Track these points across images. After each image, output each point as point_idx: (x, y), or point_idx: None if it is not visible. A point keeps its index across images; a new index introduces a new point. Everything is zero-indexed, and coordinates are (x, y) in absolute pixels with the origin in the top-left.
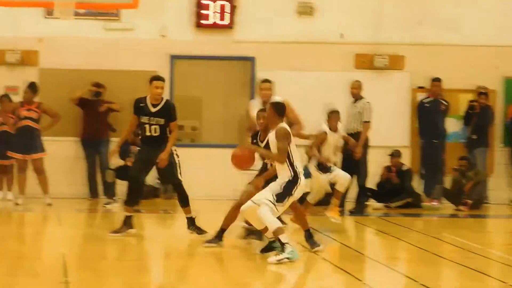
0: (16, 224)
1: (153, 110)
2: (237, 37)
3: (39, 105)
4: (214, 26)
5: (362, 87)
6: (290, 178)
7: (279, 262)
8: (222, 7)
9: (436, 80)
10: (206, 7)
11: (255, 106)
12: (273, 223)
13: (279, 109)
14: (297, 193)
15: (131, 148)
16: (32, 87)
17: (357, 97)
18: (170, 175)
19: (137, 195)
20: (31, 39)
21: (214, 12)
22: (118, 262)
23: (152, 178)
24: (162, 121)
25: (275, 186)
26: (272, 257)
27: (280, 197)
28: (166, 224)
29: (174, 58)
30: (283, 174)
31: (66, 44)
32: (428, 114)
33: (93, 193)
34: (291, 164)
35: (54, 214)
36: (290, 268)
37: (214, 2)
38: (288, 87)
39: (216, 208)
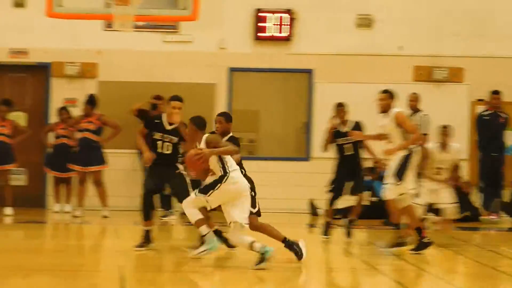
0: (74, 237)
1: (168, 127)
2: (295, 49)
3: (100, 117)
4: (272, 38)
5: (420, 99)
6: (217, 178)
7: (199, 254)
8: (281, 19)
9: (496, 92)
10: (264, 19)
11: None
12: (192, 215)
13: (199, 124)
14: (225, 189)
15: None
16: (91, 101)
17: (415, 109)
18: (185, 194)
19: (151, 209)
20: (90, 51)
21: (272, 25)
22: (174, 274)
23: None
24: (175, 139)
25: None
26: (193, 251)
27: (203, 190)
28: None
29: (232, 70)
30: (216, 173)
31: (125, 57)
32: (487, 127)
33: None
34: (222, 165)
35: (112, 226)
36: (349, 283)
37: (272, 14)
38: (346, 99)
39: (273, 222)
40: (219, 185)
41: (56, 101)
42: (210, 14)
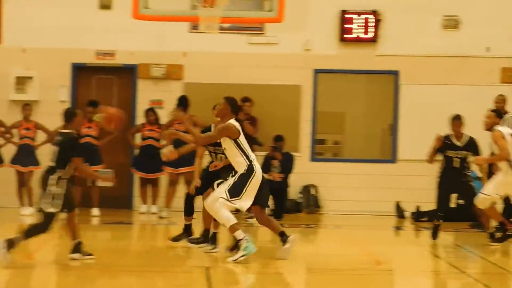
0: (160, 237)
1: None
2: (381, 51)
3: (190, 117)
4: (358, 40)
5: (507, 101)
6: (245, 171)
7: (236, 261)
8: (366, 20)
9: None
10: (350, 21)
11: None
12: (227, 220)
13: (234, 106)
14: (254, 183)
15: (273, 162)
16: (182, 102)
17: (501, 111)
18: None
19: (192, 206)
20: (176, 53)
21: (358, 26)
22: (260, 276)
23: (294, 193)
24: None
25: (229, 181)
26: (230, 257)
27: (234, 193)
28: (308, 239)
29: (317, 72)
30: (239, 166)
31: (210, 58)
32: None
33: None
34: (246, 156)
35: (198, 228)
36: (437, 286)
37: (358, 16)
38: (432, 101)
39: (358, 224)
40: (249, 180)
41: (142, 103)
42: (295, 16)
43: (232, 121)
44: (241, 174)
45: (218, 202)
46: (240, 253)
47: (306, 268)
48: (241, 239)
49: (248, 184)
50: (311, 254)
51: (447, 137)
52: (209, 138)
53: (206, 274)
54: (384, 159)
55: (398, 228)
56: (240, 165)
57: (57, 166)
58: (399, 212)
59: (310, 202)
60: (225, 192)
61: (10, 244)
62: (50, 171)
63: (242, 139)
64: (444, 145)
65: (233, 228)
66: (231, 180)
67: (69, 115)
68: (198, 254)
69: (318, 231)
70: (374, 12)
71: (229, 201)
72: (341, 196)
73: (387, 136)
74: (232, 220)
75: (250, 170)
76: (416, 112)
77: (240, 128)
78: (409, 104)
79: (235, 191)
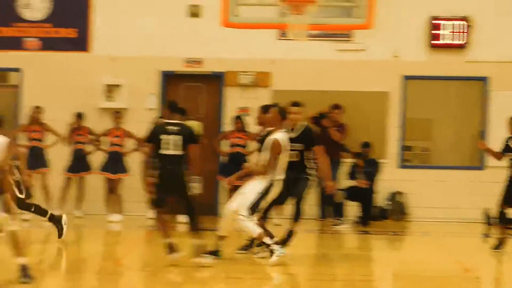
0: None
1: (292, 135)
2: (470, 57)
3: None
4: (448, 46)
5: None
6: (263, 190)
7: (278, 258)
8: (456, 27)
9: None
10: (439, 27)
11: None
12: (253, 230)
13: (283, 114)
14: (270, 197)
15: (359, 169)
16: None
17: None
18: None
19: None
20: (263, 61)
21: (448, 32)
22: (346, 283)
23: (381, 199)
24: (300, 146)
25: (248, 198)
26: (270, 259)
27: (254, 208)
28: (394, 246)
29: (406, 78)
30: (261, 179)
31: (298, 66)
32: None
33: (324, 213)
34: (273, 172)
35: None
36: None
37: (448, 22)
38: None
39: (448, 230)
40: (264, 197)
41: (229, 110)
42: (383, 22)
43: (280, 137)
44: (260, 193)
45: (240, 218)
46: (276, 252)
47: (393, 274)
48: (271, 244)
49: (263, 199)
50: (398, 261)
51: (509, 139)
52: (271, 162)
53: (290, 281)
54: (473, 165)
55: (486, 235)
56: (265, 176)
57: (183, 155)
58: (488, 219)
59: (397, 209)
60: (247, 210)
61: (211, 252)
62: (179, 162)
63: (282, 156)
64: (505, 147)
65: (260, 236)
66: (251, 196)
67: (174, 106)
68: (282, 261)
69: (405, 238)
70: (464, 18)
71: (249, 217)
72: (429, 203)
73: (477, 142)
74: (258, 228)
75: (267, 189)
76: (506, 119)
77: (285, 144)
78: (499, 111)
79: (254, 207)
